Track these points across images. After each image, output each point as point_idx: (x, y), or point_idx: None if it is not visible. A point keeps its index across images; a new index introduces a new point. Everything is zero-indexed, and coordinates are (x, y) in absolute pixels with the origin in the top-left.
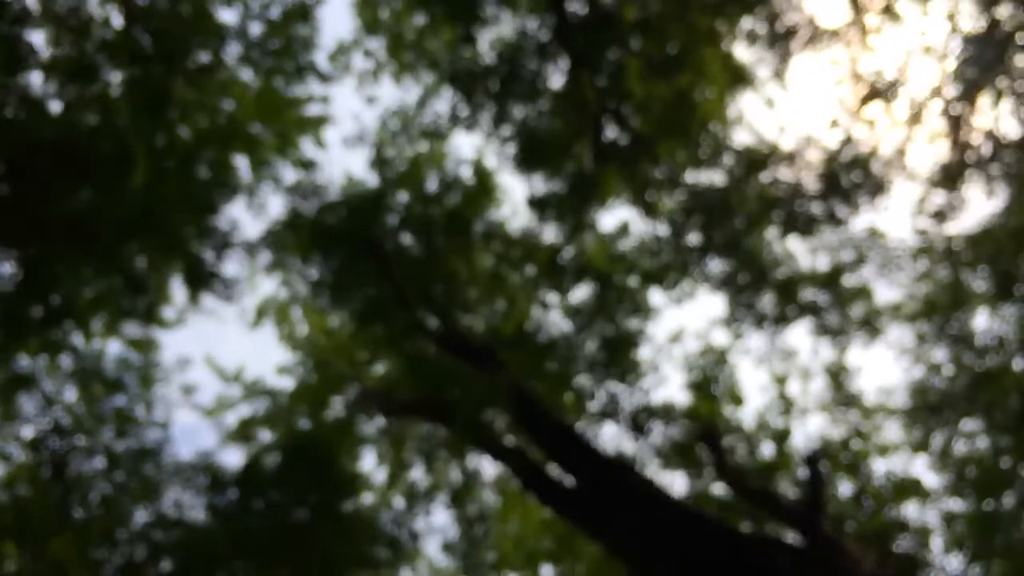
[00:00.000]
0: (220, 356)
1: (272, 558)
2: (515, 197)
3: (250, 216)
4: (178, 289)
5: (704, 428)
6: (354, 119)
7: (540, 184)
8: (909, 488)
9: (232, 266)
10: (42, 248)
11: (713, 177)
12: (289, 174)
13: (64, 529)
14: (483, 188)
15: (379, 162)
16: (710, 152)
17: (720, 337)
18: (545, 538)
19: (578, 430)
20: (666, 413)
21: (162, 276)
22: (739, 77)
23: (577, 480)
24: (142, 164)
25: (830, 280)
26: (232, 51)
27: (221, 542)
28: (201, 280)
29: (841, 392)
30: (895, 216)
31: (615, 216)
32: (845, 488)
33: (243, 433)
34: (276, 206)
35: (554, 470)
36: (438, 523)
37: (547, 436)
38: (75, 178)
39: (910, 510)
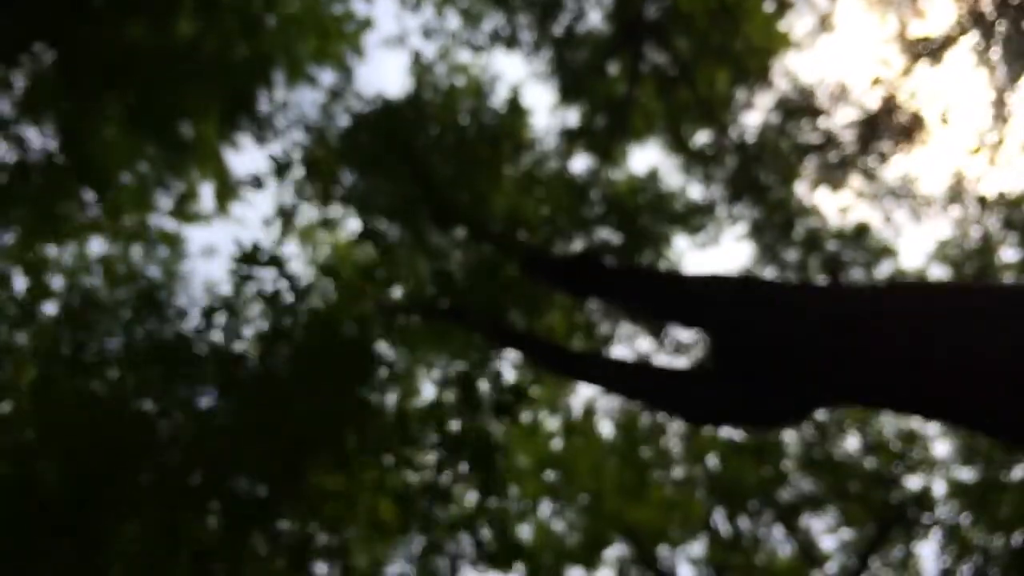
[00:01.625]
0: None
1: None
2: (547, 124)
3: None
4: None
5: None
6: (396, 21)
7: (573, 114)
8: (916, 441)
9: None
10: (82, 96)
11: (750, 115)
12: (327, 79)
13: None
14: (516, 112)
15: (418, 69)
16: (751, 83)
17: None
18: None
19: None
20: None
21: (199, 132)
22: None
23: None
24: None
25: (857, 235)
26: None
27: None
28: (239, 118)
29: None
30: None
31: (647, 154)
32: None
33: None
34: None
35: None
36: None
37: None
38: (126, 12)
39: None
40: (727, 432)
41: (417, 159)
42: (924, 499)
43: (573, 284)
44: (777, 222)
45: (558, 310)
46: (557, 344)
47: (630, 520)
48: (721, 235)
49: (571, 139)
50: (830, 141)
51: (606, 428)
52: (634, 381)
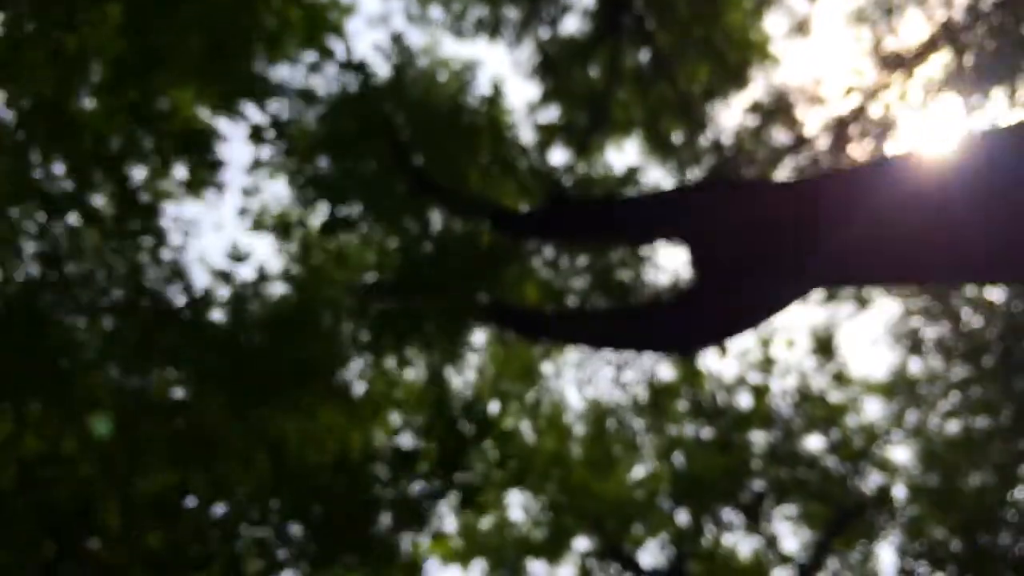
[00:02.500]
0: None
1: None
2: (526, 117)
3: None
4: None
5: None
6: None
7: (553, 109)
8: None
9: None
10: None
11: (728, 114)
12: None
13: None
14: (495, 102)
15: (398, 52)
16: (730, 80)
17: None
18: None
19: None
20: None
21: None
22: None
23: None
24: None
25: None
26: None
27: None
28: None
29: (826, 358)
30: None
31: (625, 152)
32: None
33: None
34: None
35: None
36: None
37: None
38: None
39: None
40: (706, 362)
41: (395, 139)
42: (884, 498)
43: (546, 229)
44: None
45: (531, 281)
46: (531, 308)
47: (595, 508)
48: None
49: (550, 133)
50: (804, 143)
51: (575, 422)
52: (612, 325)
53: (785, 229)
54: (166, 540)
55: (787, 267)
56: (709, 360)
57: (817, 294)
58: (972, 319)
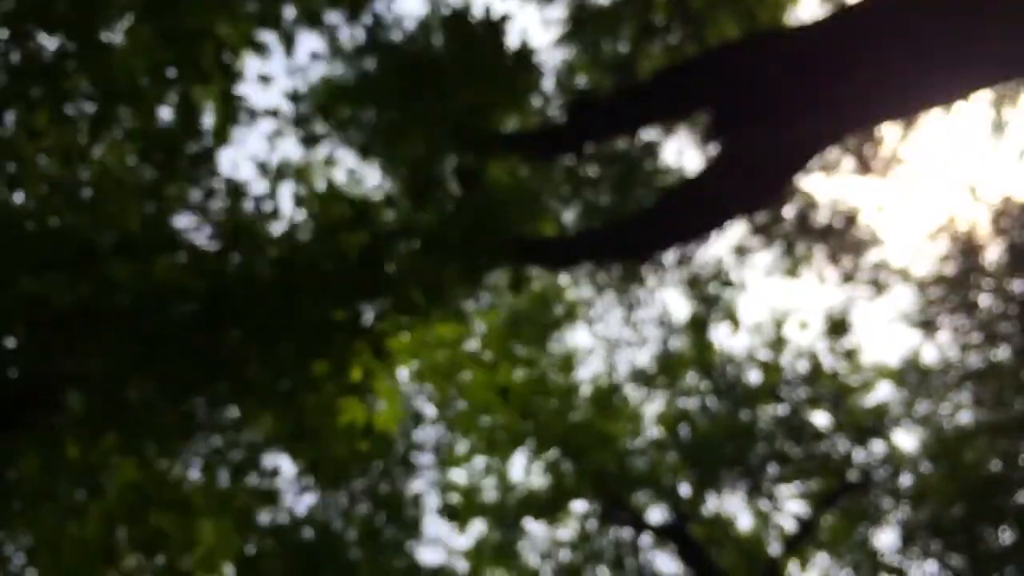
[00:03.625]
0: None
1: None
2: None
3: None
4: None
5: None
6: None
7: (581, 71)
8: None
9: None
10: None
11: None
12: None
13: None
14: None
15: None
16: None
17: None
18: None
19: None
20: None
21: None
22: None
23: None
24: None
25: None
26: None
27: None
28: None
29: (838, 339)
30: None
31: None
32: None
33: None
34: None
35: None
36: None
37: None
38: None
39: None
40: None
41: (431, 89)
42: (888, 474)
43: (573, 137)
44: None
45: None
46: (551, 238)
47: (598, 468)
48: None
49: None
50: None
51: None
52: (649, 217)
53: (809, 67)
54: None
55: (816, 103)
56: (720, 334)
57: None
58: (990, 308)
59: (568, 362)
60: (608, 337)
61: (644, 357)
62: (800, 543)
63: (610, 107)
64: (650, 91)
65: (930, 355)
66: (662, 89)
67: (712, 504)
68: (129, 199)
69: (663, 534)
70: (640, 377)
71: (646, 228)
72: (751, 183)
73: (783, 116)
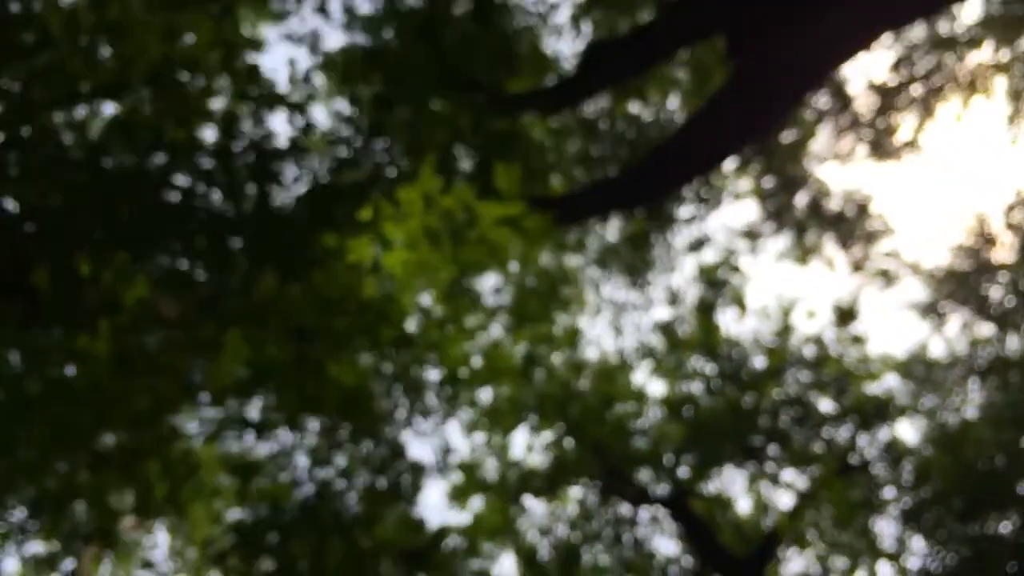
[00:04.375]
0: None
1: None
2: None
3: None
4: None
5: None
6: None
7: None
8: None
9: None
10: None
11: None
12: None
13: None
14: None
15: None
16: None
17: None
18: None
19: None
20: None
21: None
22: None
23: None
24: None
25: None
26: None
27: None
28: None
29: (845, 327)
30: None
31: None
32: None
33: None
34: None
35: None
36: None
37: None
38: None
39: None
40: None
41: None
42: (891, 459)
43: (588, 83)
44: (782, 179)
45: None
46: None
47: (599, 440)
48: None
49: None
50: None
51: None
52: (654, 163)
53: None
54: None
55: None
56: (727, 318)
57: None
58: (1001, 302)
59: (572, 336)
60: (615, 304)
61: (650, 335)
62: (797, 522)
63: (625, 45)
64: (664, 21)
65: (938, 348)
66: (676, 15)
67: (712, 484)
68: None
69: (663, 506)
70: (646, 353)
71: (666, 160)
72: (771, 97)
73: (806, 15)
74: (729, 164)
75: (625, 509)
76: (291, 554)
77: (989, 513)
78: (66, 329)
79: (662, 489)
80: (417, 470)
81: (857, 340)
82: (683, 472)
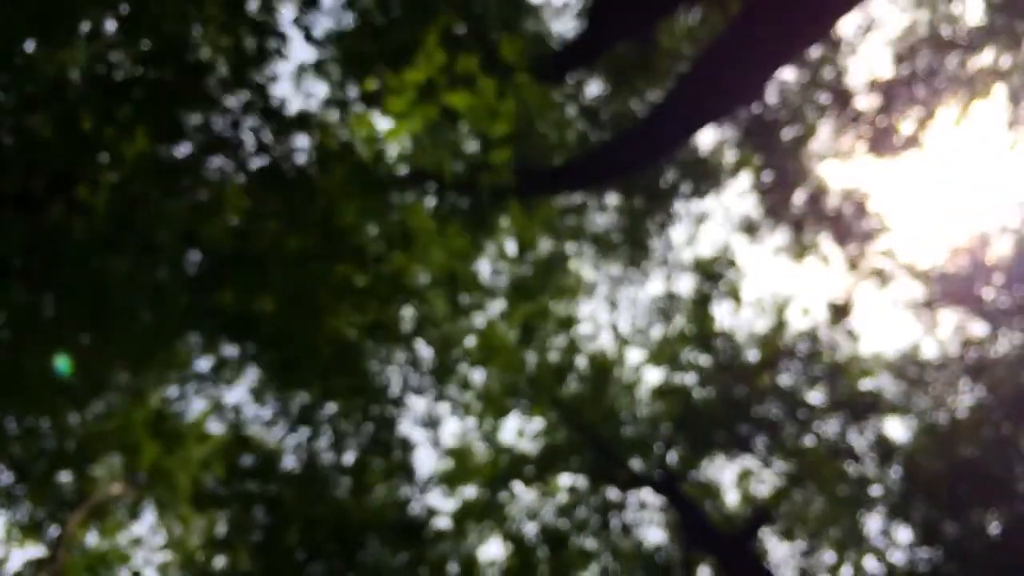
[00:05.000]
0: None
1: None
2: None
3: None
4: None
5: None
6: None
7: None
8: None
9: None
10: None
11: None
12: None
13: None
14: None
15: None
16: None
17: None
18: None
19: None
20: None
21: None
22: None
23: None
24: None
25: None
26: None
27: None
28: None
29: (838, 327)
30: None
31: None
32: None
33: None
34: None
35: None
36: None
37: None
38: None
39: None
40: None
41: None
42: (881, 451)
43: (596, 42)
44: (782, 174)
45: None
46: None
47: (591, 425)
48: (726, 179)
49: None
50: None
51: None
52: (648, 124)
53: None
54: None
55: None
56: (722, 311)
57: None
58: (994, 303)
59: (568, 321)
60: (612, 287)
61: (645, 323)
62: (784, 499)
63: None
64: None
65: (930, 348)
66: None
67: (702, 472)
68: None
69: (653, 489)
70: (641, 341)
71: (660, 121)
72: (779, 37)
73: None
74: (731, 127)
75: (614, 495)
76: (283, 503)
77: (974, 507)
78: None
79: (653, 472)
80: (407, 447)
81: (851, 334)
82: (672, 458)
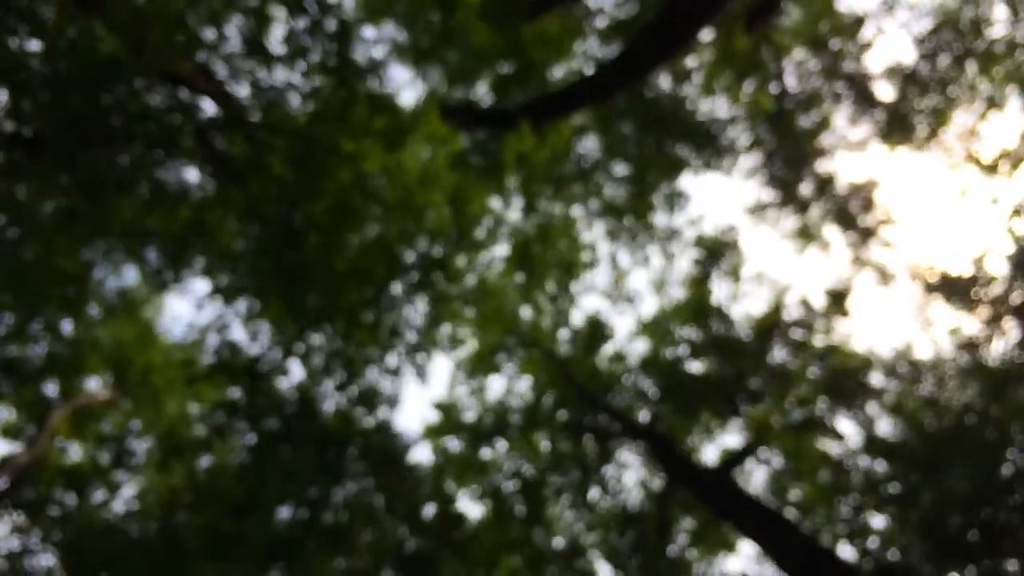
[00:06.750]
0: None
1: None
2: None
3: None
4: None
5: None
6: None
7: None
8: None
9: None
10: None
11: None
12: None
13: None
14: None
15: None
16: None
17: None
18: None
19: None
20: None
21: None
22: None
23: None
24: None
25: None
26: None
27: None
28: None
29: (836, 314)
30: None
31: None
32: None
33: None
34: None
35: None
36: None
37: None
38: None
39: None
40: None
41: None
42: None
43: None
44: (791, 155)
45: None
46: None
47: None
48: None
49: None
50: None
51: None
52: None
53: None
54: None
55: None
56: (720, 290)
57: None
58: (993, 307)
59: (570, 271)
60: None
61: (642, 294)
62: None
63: None
64: None
65: (925, 348)
66: None
67: (687, 440)
68: None
69: (633, 434)
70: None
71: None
72: None
73: None
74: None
75: (593, 451)
76: (270, 385)
77: (950, 466)
78: None
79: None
80: (395, 376)
81: (844, 313)
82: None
